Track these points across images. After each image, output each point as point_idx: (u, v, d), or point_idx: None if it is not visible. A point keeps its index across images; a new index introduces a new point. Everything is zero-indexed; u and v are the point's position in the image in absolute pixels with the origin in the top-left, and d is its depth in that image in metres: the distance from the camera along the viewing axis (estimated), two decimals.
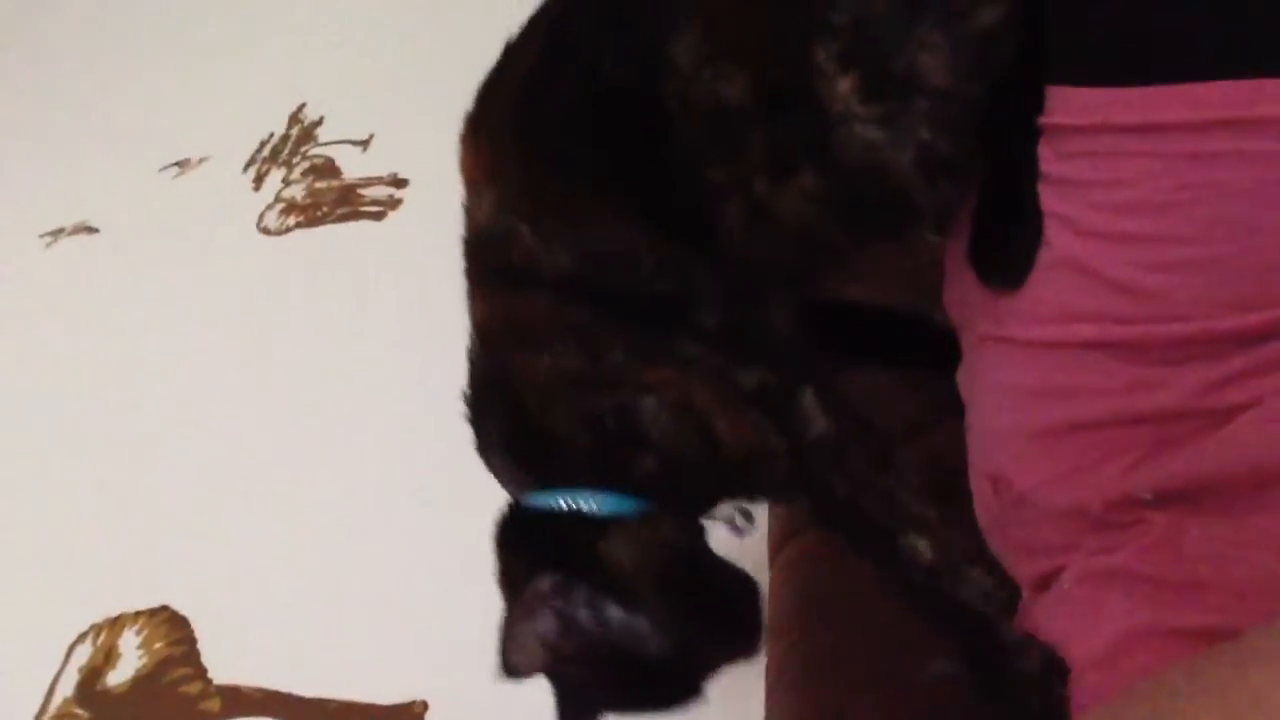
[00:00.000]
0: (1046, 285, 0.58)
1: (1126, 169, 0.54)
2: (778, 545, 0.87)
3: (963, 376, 0.67)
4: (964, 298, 0.66)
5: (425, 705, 1.15)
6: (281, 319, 1.73)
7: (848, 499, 0.63)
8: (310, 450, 1.49)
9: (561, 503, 0.65)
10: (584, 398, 0.64)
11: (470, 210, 0.70)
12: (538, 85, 0.67)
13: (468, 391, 0.70)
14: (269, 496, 1.45)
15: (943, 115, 0.60)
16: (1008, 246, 0.61)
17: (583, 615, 0.63)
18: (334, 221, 1.92)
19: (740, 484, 0.68)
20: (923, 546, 0.62)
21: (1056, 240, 0.57)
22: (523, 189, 0.66)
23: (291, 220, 1.95)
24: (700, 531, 0.68)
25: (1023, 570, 0.61)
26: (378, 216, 1.88)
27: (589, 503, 0.64)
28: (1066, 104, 0.57)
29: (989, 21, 0.59)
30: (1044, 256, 0.58)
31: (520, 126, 0.67)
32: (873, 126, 0.60)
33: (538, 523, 0.66)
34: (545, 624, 0.62)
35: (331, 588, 1.31)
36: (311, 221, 1.93)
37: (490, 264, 0.69)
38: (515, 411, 0.67)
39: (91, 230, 2.05)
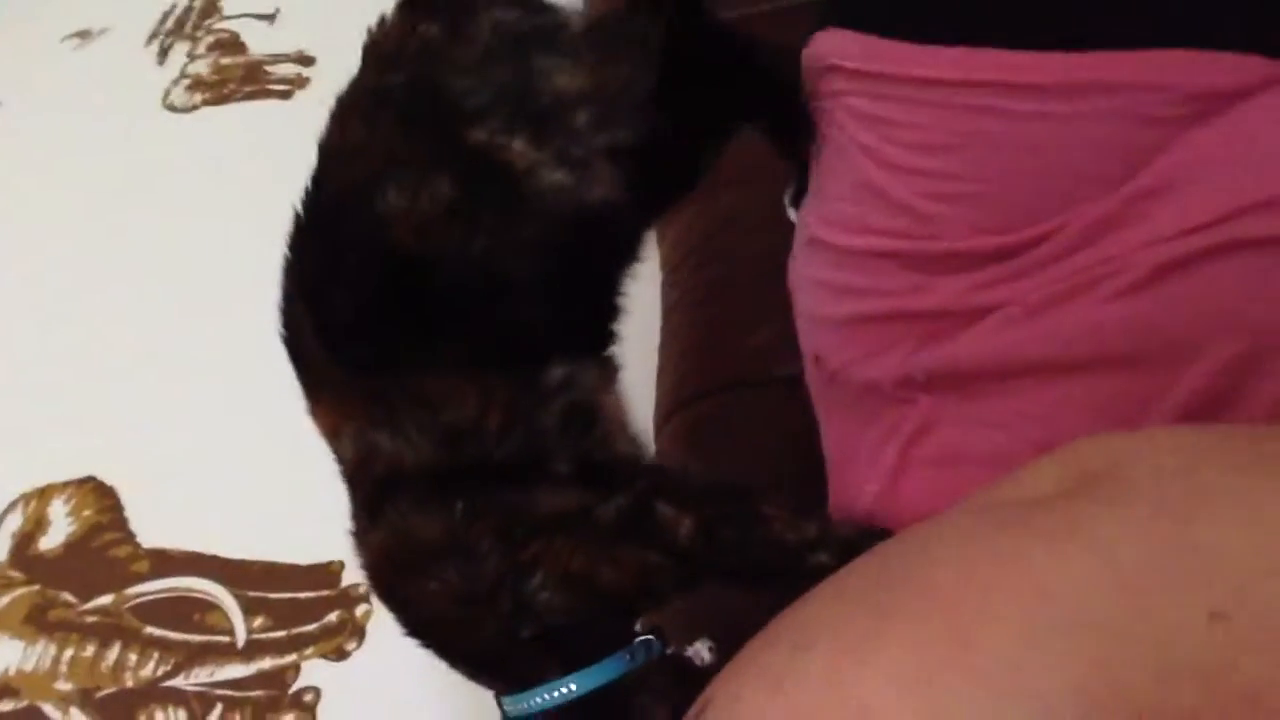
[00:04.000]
0: (851, 201, 0.69)
1: (920, 114, 0.64)
2: (664, 417, 0.96)
3: (791, 273, 0.78)
4: (805, 204, 0.77)
5: (342, 565, 1.26)
6: (191, 197, 1.75)
7: (741, 565, 0.65)
8: (221, 320, 1.53)
9: (532, 705, 0.64)
10: (484, 616, 0.64)
11: (340, 458, 0.70)
12: (326, 331, 0.69)
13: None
14: (185, 367, 1.51)
15: (607, 113, 0.66)
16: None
17: None
18: (242, 99, 1.92)
19: (646, 606, 0.68)
20: (825, 559, 0.62)
21: (863, 166, 0.67)
22: (367, 403, 0.68)
23: (198, 98, 1.95)
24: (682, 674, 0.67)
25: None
26: (285, 95, 1.90)
27: (556, 694, 0.64)
28: (883, 54, 0.66)
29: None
30: (853, 178, 0.68)
31: (339, 365, 0.69)
32: (553, 167, 0.65)
33: None
34: None
35: (249, 453, 1.38)
36: (219, 99, 1.93)
37: (360, 497, 0.69)
38: (440, 637, 0.68)
39: None
